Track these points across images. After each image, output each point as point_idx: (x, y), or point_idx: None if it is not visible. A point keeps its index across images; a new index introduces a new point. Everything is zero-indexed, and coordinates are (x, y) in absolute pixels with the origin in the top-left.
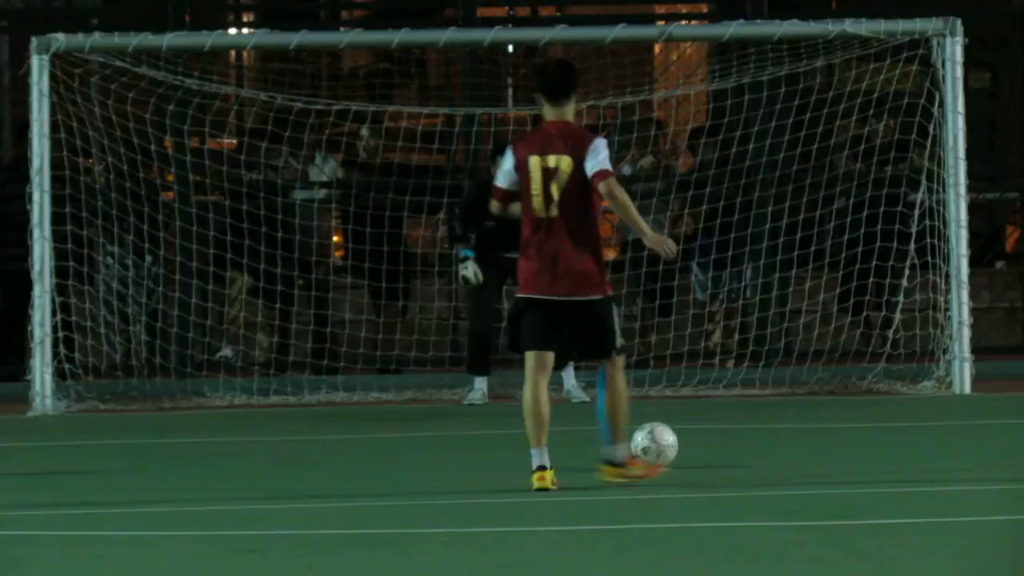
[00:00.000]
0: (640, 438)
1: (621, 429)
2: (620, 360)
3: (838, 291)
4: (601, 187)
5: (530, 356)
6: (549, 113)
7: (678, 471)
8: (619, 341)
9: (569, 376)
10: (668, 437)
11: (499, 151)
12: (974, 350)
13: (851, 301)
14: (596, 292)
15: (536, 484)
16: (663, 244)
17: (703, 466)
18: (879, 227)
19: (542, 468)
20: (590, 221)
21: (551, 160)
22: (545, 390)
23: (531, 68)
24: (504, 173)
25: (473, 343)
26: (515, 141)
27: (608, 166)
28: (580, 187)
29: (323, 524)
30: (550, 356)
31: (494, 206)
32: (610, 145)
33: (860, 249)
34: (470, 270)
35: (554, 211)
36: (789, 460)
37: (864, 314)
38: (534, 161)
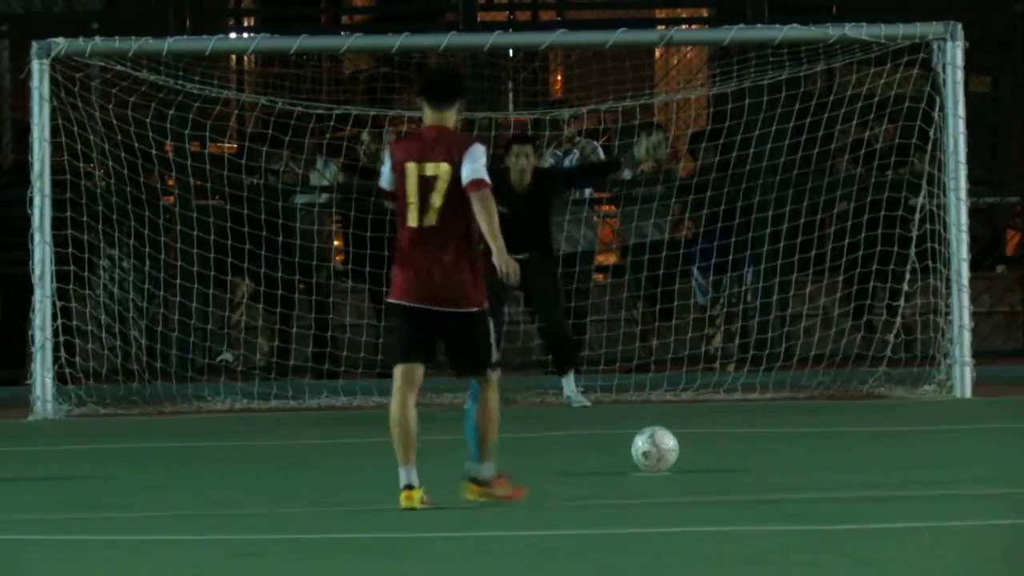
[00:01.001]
0: (641, 442)
1: (489, 447)
2: (494, 376)
3: (839, 295)
4: (474, 197)
5: (398, 369)
6: (429, 117)
7: (678, 475)
8: (495, 356)
9: (569, 383)
10: (668, 441)
11: (498, 157)
12: (975, 354)
13: (852, 305)
14: (471, 305)
15: (403, 504)
16: (507, 266)
17: (703, 470)
18: (880, 231)
19: (409, 487)
20: (467, 231)
21: (429, 168)
22: (412, 405)
23: (416, 70)
24: (385, 175)
25: None
26: (393, 143)
27: (484, 175)
28: (459, 196)
29: (323, 528)
30: (419, 370)
31: (386, 204)
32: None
33: (861, 253)
34: None
35: (430, 221)
36: (789, 464)
37: (865, 318)
38: (411, 168)
